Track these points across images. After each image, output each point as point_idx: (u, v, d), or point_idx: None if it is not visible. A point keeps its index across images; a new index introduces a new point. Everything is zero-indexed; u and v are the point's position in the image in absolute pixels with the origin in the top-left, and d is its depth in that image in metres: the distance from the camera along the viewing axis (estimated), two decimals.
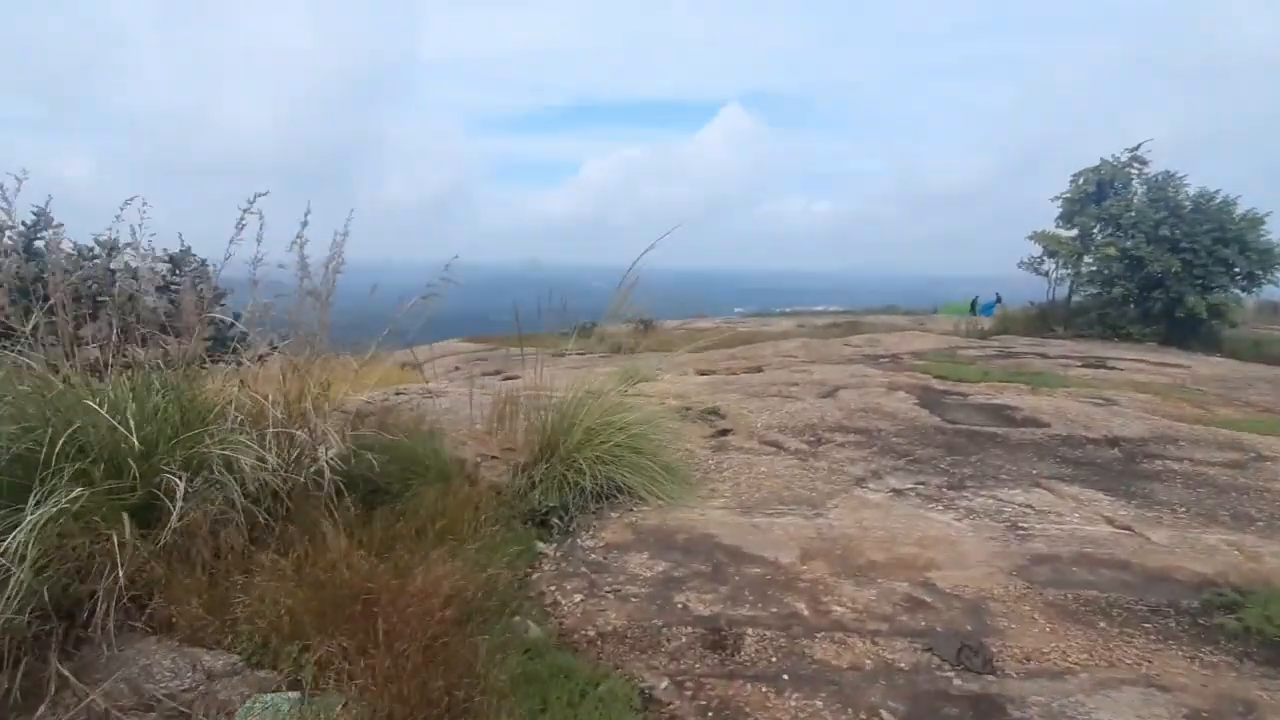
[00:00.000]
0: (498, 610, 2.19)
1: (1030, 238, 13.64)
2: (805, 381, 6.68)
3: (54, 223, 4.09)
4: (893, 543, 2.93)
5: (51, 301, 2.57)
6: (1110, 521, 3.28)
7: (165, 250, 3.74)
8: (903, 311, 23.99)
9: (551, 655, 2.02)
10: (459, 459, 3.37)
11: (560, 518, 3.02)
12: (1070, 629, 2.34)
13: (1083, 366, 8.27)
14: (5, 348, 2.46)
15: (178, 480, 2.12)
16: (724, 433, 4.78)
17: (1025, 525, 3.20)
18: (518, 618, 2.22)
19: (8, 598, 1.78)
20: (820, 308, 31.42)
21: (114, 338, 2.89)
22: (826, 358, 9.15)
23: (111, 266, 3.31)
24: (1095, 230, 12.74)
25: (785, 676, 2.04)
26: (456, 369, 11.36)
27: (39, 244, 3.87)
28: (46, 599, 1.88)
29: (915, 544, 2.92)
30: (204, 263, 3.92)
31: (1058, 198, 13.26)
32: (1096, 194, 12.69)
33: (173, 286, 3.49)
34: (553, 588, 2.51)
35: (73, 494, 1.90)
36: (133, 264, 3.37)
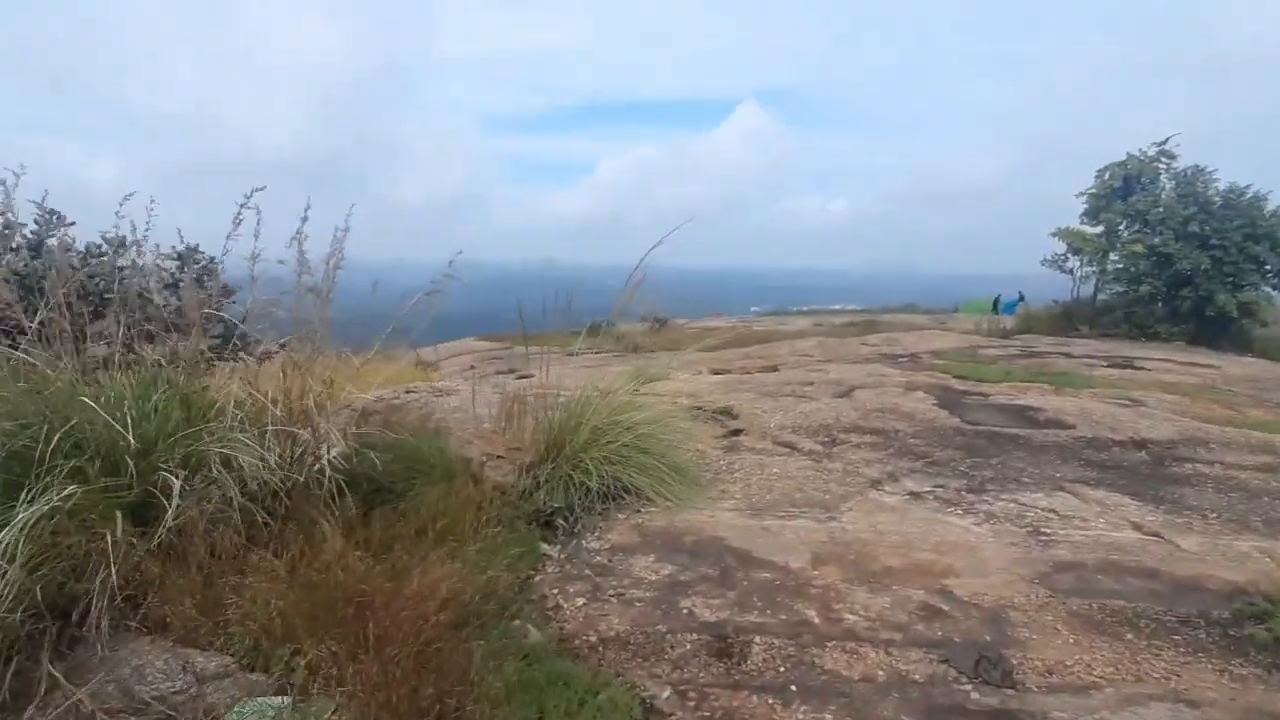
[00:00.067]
0: (497, 614, 2.13)
1: (1054, 234, 13.32)
2: (821, 381, 6.56)
3: (66, 221, 4.12)
4: (908, 548, 2.83)
5: (54, 299, 2.57)
6: (1138, 527, 3.14)
7: (173, 247, 3.74)
8: (922, 310, 23.67)
9: (550, 661, 1.95)
10: (464, 458, 3.32)
11: (565, 519, 2.96)
12: (1095, 640, 2.23)
13: (1108, 366, 8.04)
14: (11, 345, 2.45)
15: (174, 478, 2.09)
16: (736, 433, 4.69)
17: (1048, 531, 3.08)
18: (517, 621, 2.16)
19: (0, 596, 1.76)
20: (838, 306, 31.11)
21: (120, 335, 2.89)
22: (843, 357, 9.01)
23: (119, 264, 3.31)
24: (1121, 227, 12.42)
25: (793, 687, 1.95)
26: (471, 368, 11.37)
27: (51, 243, 3.88)
28: (39, 597, 1.85)
29: (932, 549, 2.81)
30: (212, 260, 3.91)
31: (1082, 194, 12.95)
32: (1123, 189, 12.37)
33: (180, 284, 3.48)
34: (555, 591, 2.45)
35: (65, 491, 1.87)
36: (139, 262, 3.37)
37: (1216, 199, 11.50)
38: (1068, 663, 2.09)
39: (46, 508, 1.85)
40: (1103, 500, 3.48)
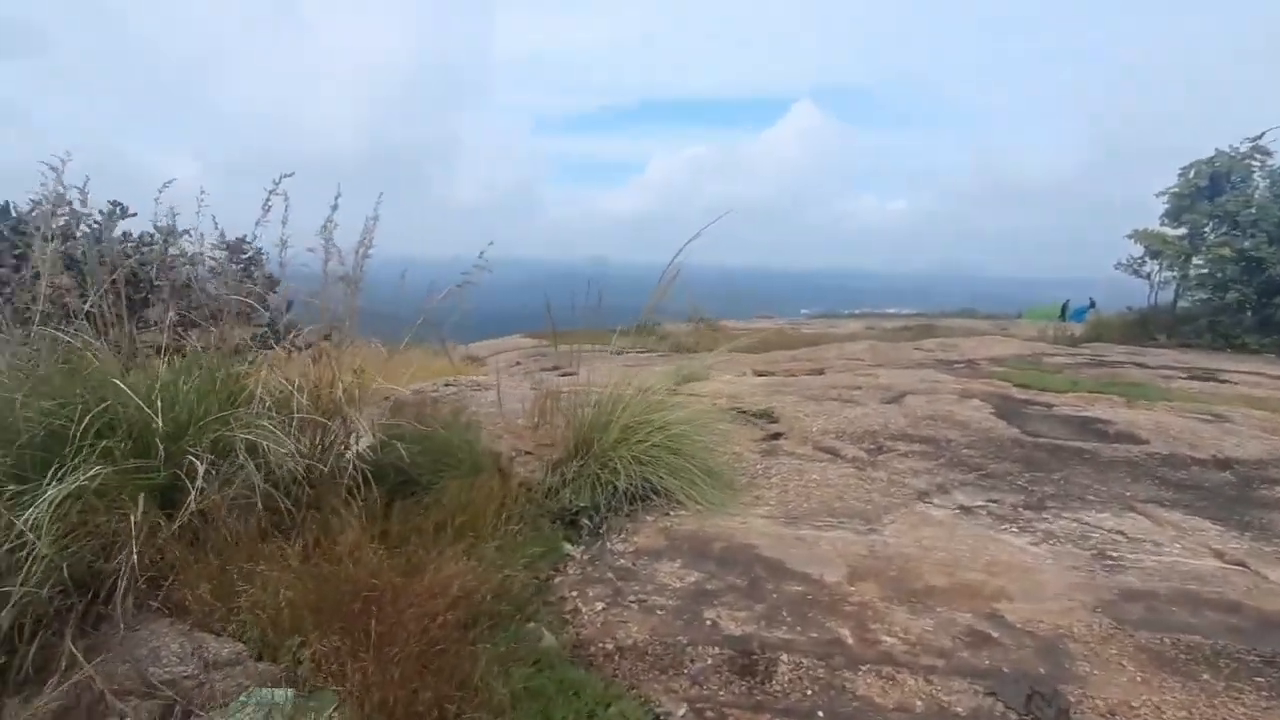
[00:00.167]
0: (511, 614, 2.06)
1: (1130, 237, 12.50)
2: (869, 386, 6.30)
3: (129, 212, 4.29)
4: (956, 566, 2.63)
5: (104, 285, 2.64)
6: (1219, 555, 2.85)
7: (222, 237, 3.83)
8: (983, 315, 22.72)
9: (562, 668, 1.87)
10: (494, 453, 3.28)
11: (591, 519, 2.88)
12: (1166, 679, 2.00)
13: (1188, 378, 7.46)
14: (59, 329, 2.52)
15: (199, 462, 2.10)
16: (776, 436, 4.53)
17: (1115, 554, 2.82)
18: (532, 624, 2.08)
19: (28, 571, 1.79)
20: (892, 310, 30.19)
21: (169, 321, 2.96)
22: (895, 362, 8.66)
23: (170, 253, 3.41)
24: (1207, 228, 11.55)
25: (820, 713, 1.81)
26: (517, 363, 11.47)
27: (115, 233, 4.04)
28: (67, 575, 1.88)
29: (983, 569, 2.61)
30: (259, 251, 4.00)
31: (1164, 193, 12.10)
32: (1210, 188, 11.50)
33: (222, 273, 3.56)
34: (574, 593, 2.37)
35: (91, 471, 1.89)
36: (189, 251, 3.46)
37: None
38: (1133, 703, 1.88)
39: (73, 486, 1.88)
40: (1179, 523, 3.18)
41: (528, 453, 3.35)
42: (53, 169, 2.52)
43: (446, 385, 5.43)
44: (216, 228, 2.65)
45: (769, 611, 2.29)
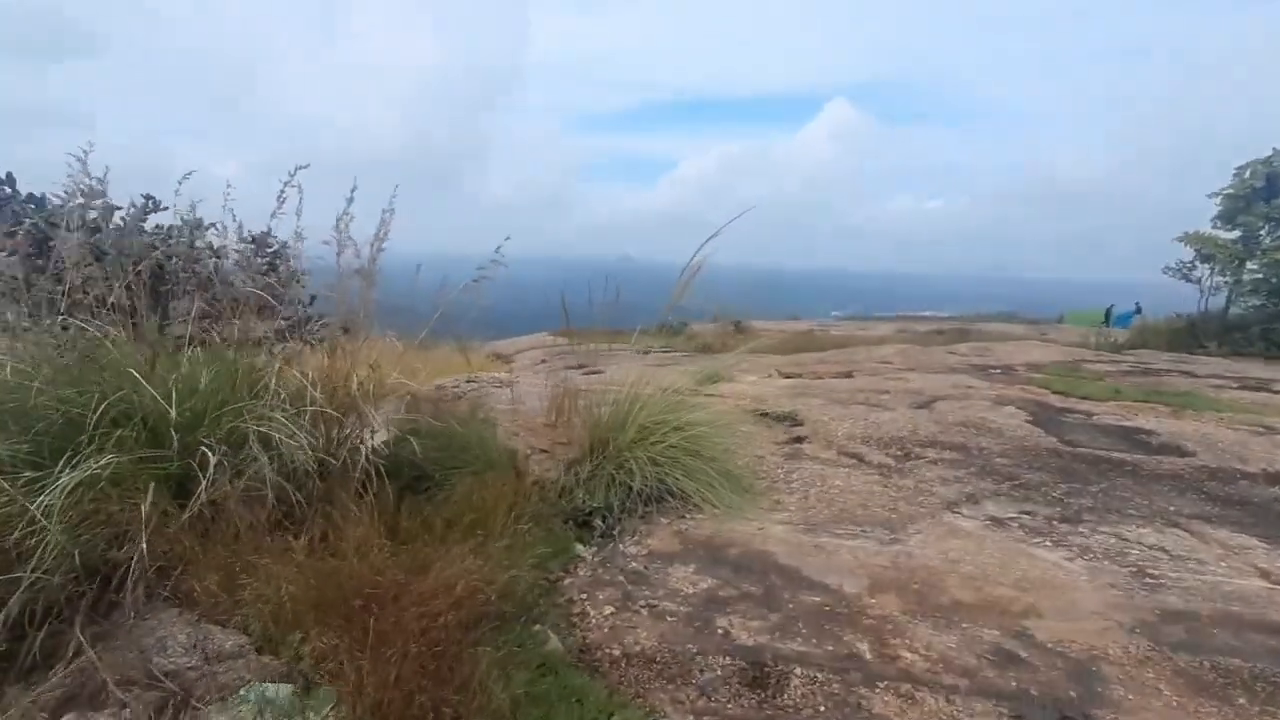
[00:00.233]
0: (517, 616, 2.02)
1: (1180, 240, 12.01)
2: (898, 390, 6.13)
3: (161, 206, 4.37)
4: (984, 580, 2.51)
5: (121, 277, 2.68)
6: (1265, 575, 2.67)
7: (249, 232, 3.88)
8: (1022, 319, 22.11)
9: (566, 674, 1.82)
10: (510, 450, 3.25)
11: (604, 519, 2.82)
12: (1204, 705, 1.88)
13: (1239, 388, 7.11)
14: (80, 319, 2.56)
15: (210, 453, 2.10)
16: (799, 440, 4.42)
17: (1155, 572, 2.66)
18: (538, 626, 2.04)
19: (40, 557, 1.81)
20: (928, 313, 29.58)
21: (194, 313, 3.00)
22: (926, 366, 8.44)
23: (196, 245, 3.46)
24: (1263, 231, 11.03)
25: None
26: (543, 361, 11.48)
27: (144, 225, 4.11)
28: (78, 562, 1.89)
29: (1012, 585, 2.48)
30: (285, 245, 4.03)
31: (1216, 194, 11.59)
32: (1266, 189, 10.97)
33: (245, 266, 3.60)
34: (583, 596, 2.32)
35: (102, 460, 1.90)
36: (216, 244, 3.50)
37: None
38: None
39: (85, 475, 1.89)
40: (1225, 541, 3.00)
41: (543, 451, 3.31)
42: (79, 160, 2.56)
43: (468, 381, 5.44)
44: (235, 219, 2.66)
45: (784, 622, 2.20)
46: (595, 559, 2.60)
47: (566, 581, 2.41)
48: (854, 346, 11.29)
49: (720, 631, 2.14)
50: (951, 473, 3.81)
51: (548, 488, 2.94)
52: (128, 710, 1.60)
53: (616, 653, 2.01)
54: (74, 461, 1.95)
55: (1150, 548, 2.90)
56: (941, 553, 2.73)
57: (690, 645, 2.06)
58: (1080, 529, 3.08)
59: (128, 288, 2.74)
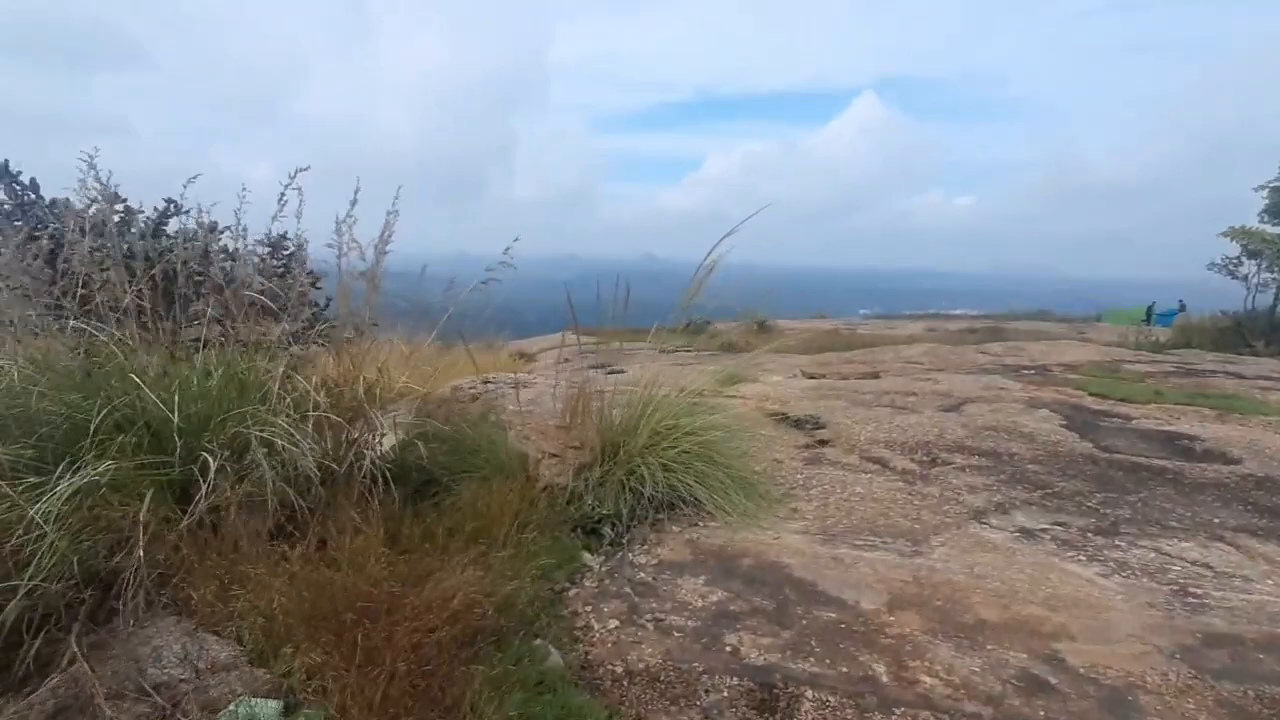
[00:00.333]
0: (518, 630, 1.95)
1: (1225, 235, 11.52)
2: (926, 391, 5.95)
3: (183, 209, 4.42)
4: (1012, 598, 2.37)
5: (140, 280, 2.68)
6: None
7: (266, 235, 3.89)
8: (1058, 318, 21.50)
9: (564, 692, 1.75)
10: (520, 454, 3.20)
11: (613, 527, 2.75)
12: None
13: None
14: (88, 323, 2.56)
15: (211, 459, 2.08)
16: (821, 444, 4.30)
17: (1198, 591, 2.50)
18: (539, 640, 1.97)
19: (37, 564, 1.80)
20: (959, 311, 28.95)
21: (207, 316, 3.00)
22: (956, 366, 8.20)
23: (210, 248, 3.47)
24: None
25: None
26: (565, 360, 11.48)
27: (165, 228, 4.15)
28: (76, 569, 1.88)
29: (1042, 603, 2.34)
30: (301, 247, 4.04)
31: (1262, 187, 11.09)
32: None
33: (259, 270, 3.60)
34: (588, 608, 2.24)
35: (101, 467, 1.89)
36: (232, 247, 3.50)
37: None
38: None
39: (85, 481, 1.87)
40: (1272, 556, 2.81)
41: (553, 455, 3.24)
42: (93, 166, 2.57)
43: (485, 382, 5.42)
44: (240, 222, 2.64)
45: (796, 640, 2.10)
46: (603, 569, 2.52)
47: (572, 593, 2.34)
48: (881, 346, 11.05)
49: (729, 649, 2.05)
50: (980, 480, 3.65)
51: (557, 494, 2.87)
52: None
53: (619, 670, 1.94)
54: (75, 467, 1.94)
55: (1192, 564, 2.73)
56: (967, 567, 2.60)
57: (696, 663, 1.97)
58: (1117, 542, 2.91)
59: (140, 291, 2.75)
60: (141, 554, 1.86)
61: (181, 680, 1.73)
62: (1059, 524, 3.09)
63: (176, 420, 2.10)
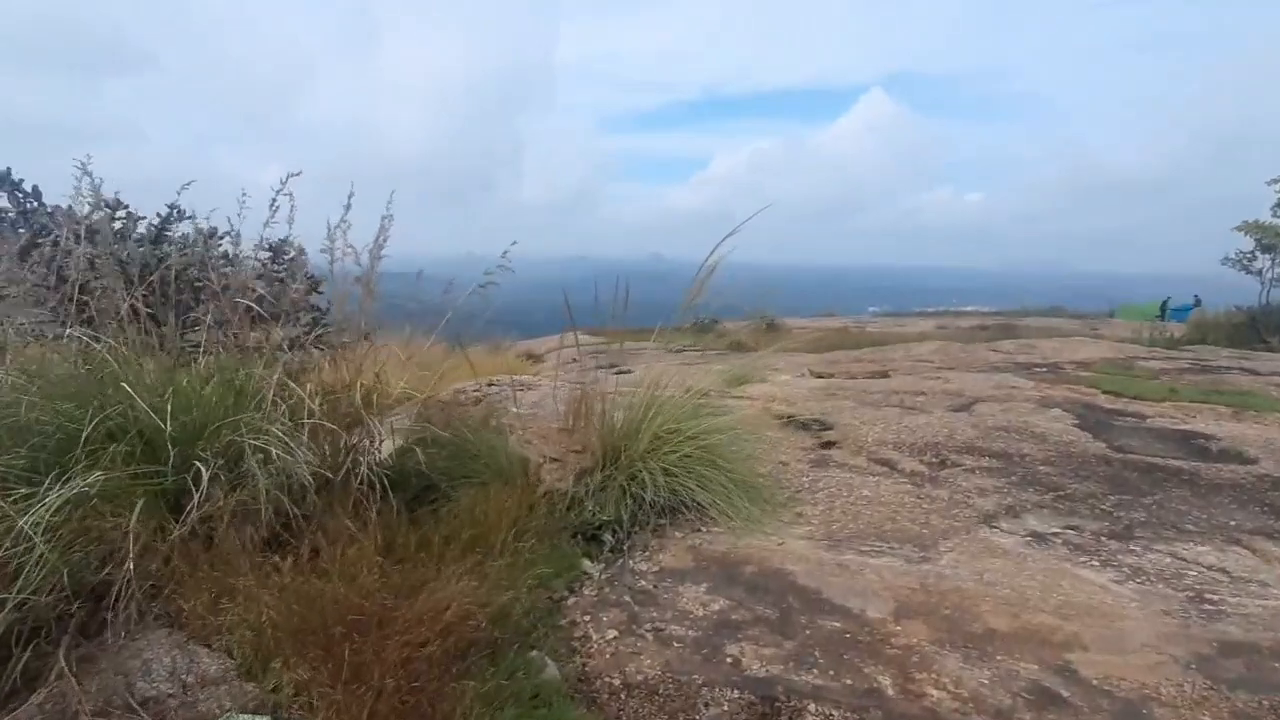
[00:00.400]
0: (513, 641, 1.91)
1: (1239, 229, 11.33)
2: (936, 391, 5.86)
3: (186, 215, 4.42)
4: (1022, 606, 2.31)
5: (137, 287, 2.67)
6: None
7: (266, 240, 3.87)
8: (1070, 314, 21.26)
9: (560, 706, 1.71)
10: (522, 459, 3.16)
11: (614, 533, 2.71)
12: None
13: None
14: (82, 330, 2.55)
15: (204, 468, 2.06)
16: (828, 445, 4.23)
17: (1214, 597, 2.42)
18: (535, 652, 1.93)
19: (26, 577, 1.77)
20: (970, 308, 28.71)
21: (207, 322, 2.99)
22: (966, 364, 8.10)
23: (210, 254, 3.46)
24: None
25: None
26: (574, 360, 11.46)
27: (169, 234, 4.15)
28: (66, 581, 1.86)
29: (1054, 611, 2.28)
30: (302, 252, 4.02)
31: (1276, 180, 10.90)
32: None
33: (263, 276, 3.59)
34: (586, 618, 2.20)
35: (90, 477, 1.86)
36: (232, 253, 3.49)
37: None
38: None
39: (73, 492, 1.85)
40: None
41: (554, 460, 3.21)
42: (87, 172, 2.55)
43: (490, 385, 5.39)
44: (232, 228, 2.62)
45: (799, 650, 2.05)
46: (603, 576, 2.48)
47: (571, 601, 2.30)
48: (891, 344, 10.95)
49: (729, 660, 2.01)
50: (990, 482, 3.58)
51: (557, 499, 2.83)
52: None
53: (617, 682, 1.89)
54: (65, 477, 1.92)
55: (1209, 568, 2.65)
56: (976, 573, 2.54)
57: (696, 675, 1.92)
58: (1131, 546, 2.84)
59: (137, 298, 2.74)
60: (132, 565, 1.83)
61: (170, 695, 1.70)
62: (1071, 528, 3.02)
63: (169, 429, 2.08)
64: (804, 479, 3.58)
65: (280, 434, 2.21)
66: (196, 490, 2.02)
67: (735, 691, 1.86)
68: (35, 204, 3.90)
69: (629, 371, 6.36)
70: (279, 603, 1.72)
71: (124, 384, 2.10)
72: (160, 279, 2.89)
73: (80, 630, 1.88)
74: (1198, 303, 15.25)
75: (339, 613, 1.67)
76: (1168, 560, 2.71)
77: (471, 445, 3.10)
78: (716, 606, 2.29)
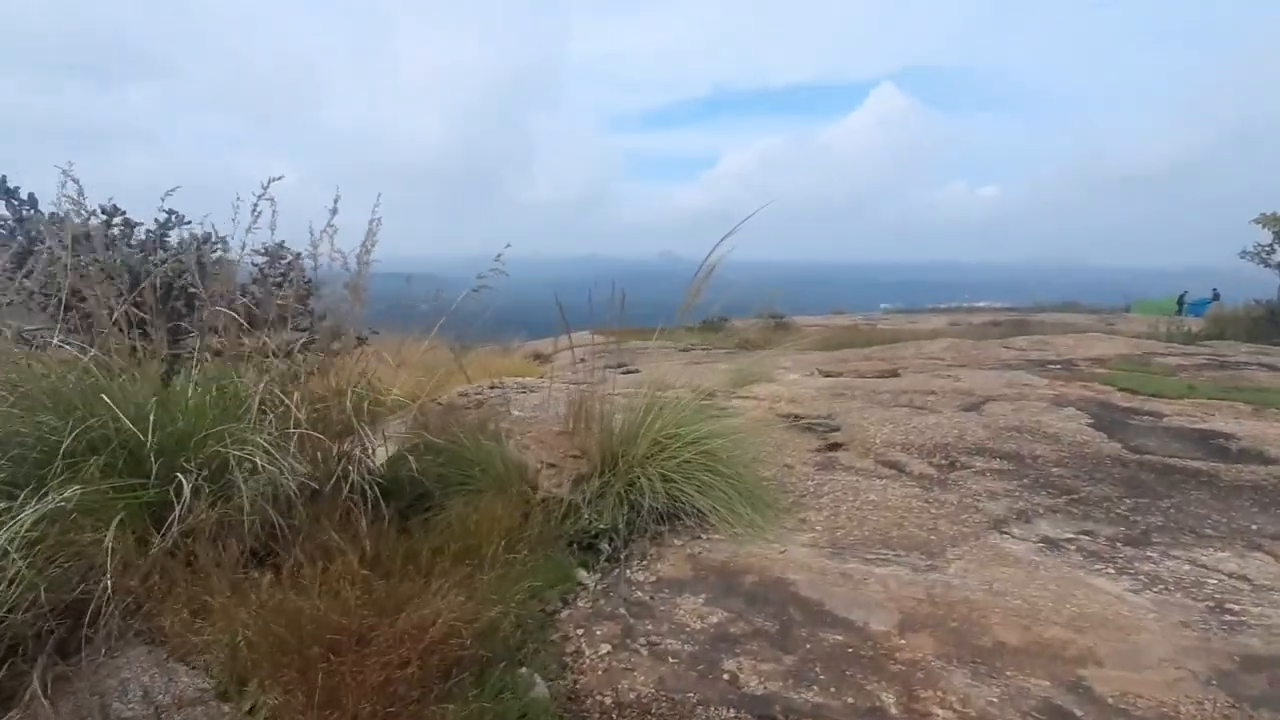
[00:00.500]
0: (501, 659, 1.85)
1: (1257, 221, 11.08)
2: (947, 390, 5.75)
3: (185, 220, 4.39)
4: (1033, 618, 2.21)
5: (131, 294, 2.63)
6: None
7: (263, 244, 3.83)
8: (1085, 309, 20.97)
9: None
10: (519, 464, 3.10)
11: (610, 542, 2.63)
12: None
13: None
14: (66, 339, 2.51)
15: (185, 480, 2.01)
16: (835, 447, 4.14)
17: (1235, 606, 2.32)
18: (524, 669, 1.86)
19: (1, 594, 1.73)
20: (983, 304, 28.38)
21: (199, 330, 2.95)
22: (978, 362, 7.95)
23: (203, 260, 3.42)
24: None
25: None
26: (581, 360, 11.40)
27: (169, 239, 4.12)
28: (43, 597, 1.82)
29: (1067, 623, 2.18)
30: (298, 256, 3.98)
31: None
32: None
33: (259, 280, 3.55)
34: (580, 631, 2.13)
35: (66, 492, 1.82)
36: (228, 257, 3.46)
37: None
38: None
39: (49, 507, 1.81)
40: None
41: (551, 465, 3.14)
42: (73, 180, 2.52)
43: (491, 387, 5.34)
44: (215, 232, 2.57)
45: (799, 666, 1.97)
46: (598, 587, 2.41)
47: (564, 614, 2.23)
48: (902, 342, 10.79)
49: (727, 676, 1.93)
50: (1001, 485, 3.48)
51: (553, 507, 2.77)
52: None
53: (608, 701, 1.82)
54: (43, 491, 1.88)
55: (1229, 576, 2.54)
56: (985, 583, 2.45)
57: (691, 693, 1.85)
58: (1148, 553, 2.73)
59: (130, 306, 2.70)
60: (109, 582, 1.79)
61: (144, 717, 1.65)
62: (1085, 533, 2.92)
63: (150, 440, 2.03)
64: (809, 483, 3.49)
65: (265, 444, 2.16)
66: (179, 503, 1.98)
67: (731, 711, 1.79)
68: (31, 211, 3.88)
69: (636, 371, 6.30)
70: (256, 621, 1.66)
71: (103, 395, 2.05)
72: (152, 286, 2.85)
73: (59, 648, 1.84)
74: (1216, 297, 14.96)
75: (317, 631, 1.61)
76: (1186, 567, 2.61)
77: (468, 451, 3.04)
78: (715, 619, 2.21)
